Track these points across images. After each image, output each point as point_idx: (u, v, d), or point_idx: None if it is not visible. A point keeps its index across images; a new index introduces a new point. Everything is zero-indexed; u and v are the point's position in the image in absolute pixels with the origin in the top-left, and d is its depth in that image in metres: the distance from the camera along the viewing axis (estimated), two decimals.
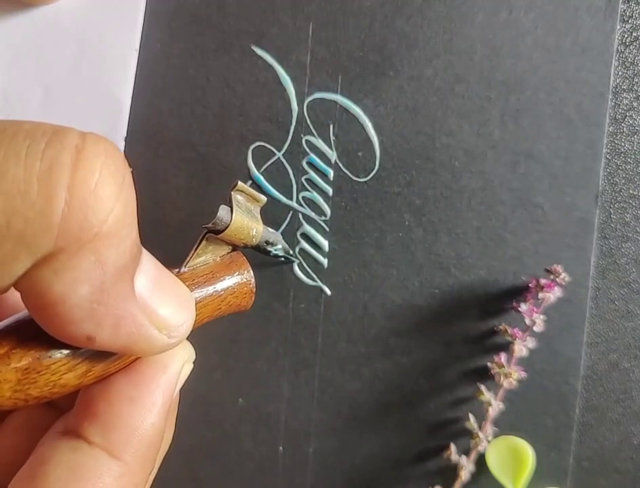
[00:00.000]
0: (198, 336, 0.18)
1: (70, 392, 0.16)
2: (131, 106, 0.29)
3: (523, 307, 0.27)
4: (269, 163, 0.29)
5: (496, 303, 0.29)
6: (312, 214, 0.29)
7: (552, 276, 0.27)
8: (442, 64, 0.28)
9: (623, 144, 0.28)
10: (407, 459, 0.29)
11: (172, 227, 0.29)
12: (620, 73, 0.28)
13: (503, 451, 0.28)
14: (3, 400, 0.15)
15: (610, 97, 0.28)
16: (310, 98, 0.29)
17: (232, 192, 0.22)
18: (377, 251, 0.29)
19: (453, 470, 0.28)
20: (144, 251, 0.16)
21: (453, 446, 0.28)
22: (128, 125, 0.29)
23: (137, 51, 0.29)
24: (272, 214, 0.28)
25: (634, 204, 0.28)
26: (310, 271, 0.29)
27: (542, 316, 0.27)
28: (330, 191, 0.29)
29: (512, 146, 0.28)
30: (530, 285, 0.28)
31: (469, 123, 0.28)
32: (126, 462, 0.16)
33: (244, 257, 0.22)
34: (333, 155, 0.29)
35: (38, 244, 0.13)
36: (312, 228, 0.29)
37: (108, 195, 0.13)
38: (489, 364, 0.28)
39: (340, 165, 0.29)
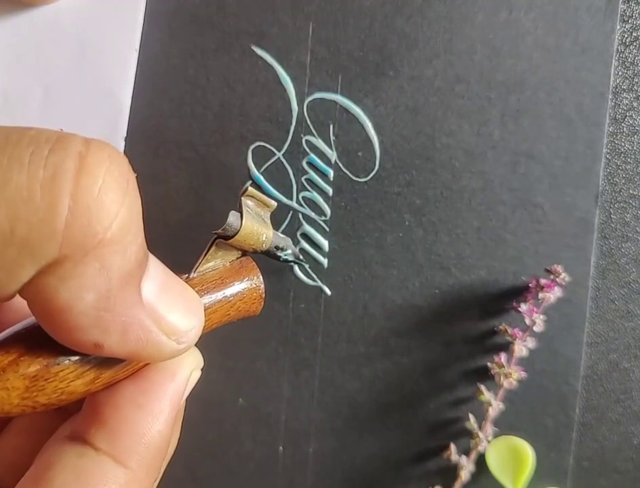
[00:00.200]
0: (200, 338, 0.18)
1: (78, 399, 0.16)
2: (131, 106, 0.29)
3: (523, 307, 0.27)
4: (269, 163, 0.29)
5: (496, 303, 0.29)
6: (312, 214, 0.29)
7: (552, 276, 0.27)
8: (442, 64, 0.28)
9: (623, 144, 0.28)
10: (407, 459, 0.29)
11: (172, 227, 0.29)
12: (619, 73, 0.28)
13: (503, 451, 0.28)
14: (11, 407, 0.15)
15: (610, 97, 0.28)
16: (310, 98, 0.29)
17: (242, 198, 0.22)
18: (377, 251, 0.29)
19: (453, 470, 0.28)
20: (152, 257, 0.16)
21: (453, 446, 0.28)
22: (128, 125, 0.29)
23: (137, 51, 0.29)
24: (272, 214, 0.28)
25: (634, 204, 0.28)
26: (310, 271, 0.29)
27: (542, 316, 0.27)
28: (330, 191, 0.29)
29: (512, 146, 0.28)
30: (530, 285, 0.28)
31: (469, 123, 0.28)
32: (132, 469, 0.16)
33: (253, 263, 0.22)
34: (333, 155, 0.29)
35: (43, 251, 0.13)
36: (312, 228, 0.29)
37: (111, 201, 0.13)
38: (489, 364, 0.28)
39: (340, 165, 0.29)
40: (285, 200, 0.29)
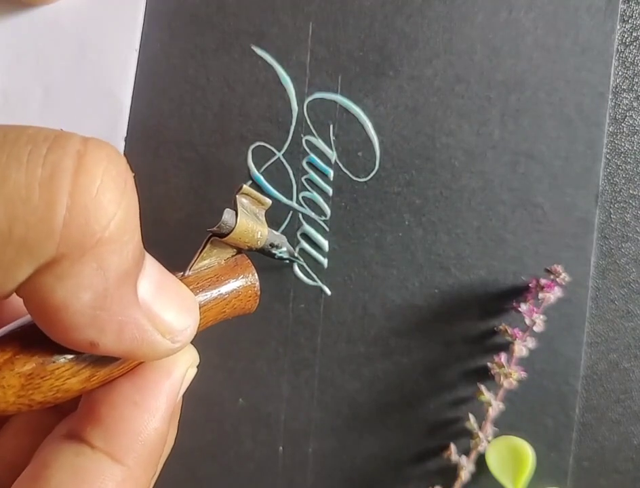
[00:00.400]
0: (198, 336, 0.18)
1: (73, 396, 0.16)
2: (131, 106, 0.29)
3: (523, 307, 0.27)
4: (269, 163, 0.29)
5: (496, 303, 0.29)
6: (312, 214, 0.29)
7: (552, 276, 0.27)
8: (442, 64, 0.28)
9: (623, 144, 0.28)
10: (407, 459, 0.29)
11: (172, 227, 0.29)
12: (620, 73, 0.28)
13: (503, 451, 0.28)
14: (7, 405, 0.15)
15: (610, 97, 0.28)
16: (310, 98, 0.29)
17: (236, 196, 0.22)
18: (377, 251, 0.29)
19: (453, 470, 0.28)
20: (147, 256, 0.16)
21: (453, 446, 0.28)
22: (128, 125, 0.29)
23: (137, 51, 0.29)
24: (272, 214, 0.28)
25: (634, 204, 0.28)
26: (310, 271, 0.29)
27: (542, 316, 0.27)
28: (330, 191, 0.29)
29: (512, 146, 0.28)
30: (530, 285, 0.28)
31: (469, 123, 0.28)
32: (129, 467, 0.16)
33: (249, 260, 0.22)
34: (333, 155, 0.29)
35: (40, 250, 0.13)
36: (312, 228, 0.29)
37: (109, 201, 0.13)
38: (489, 364, 0.28)
39: (340, 165, 0.29)
40: (285, 200, 0.29)
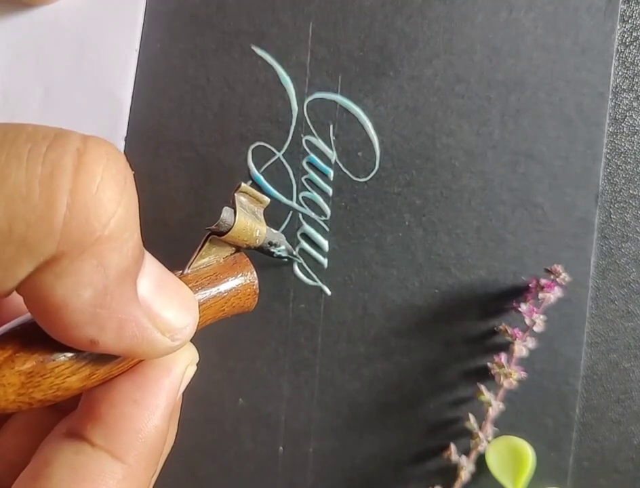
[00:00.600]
0: (198, 336, 0.18)
1: (73, 395, 0.16)
2: (131, 106, 0.29)
3: (523, 307, 0.27)
4: (269, 163, 0.29)
5: (496, 303, 0.29)
6: (312, 214, 0.29)
7: (552, 276, 0.27)
8: (442, 64, 0.28)
9: (623, 144, 0.28)
10: (407, 459, 0.29)
11: (172, 227, 0.29)
12: (619, 73, 0.28)
13: (503, 451, 0.28)
14: (7, 403, 0.15)
15: (610, 97, 0.28)
16: (310, 98, 0.29)
17: (235, 194, 0.22)
18: (377, 251, 0.29)
19: (453, 470, 0.28)
20: (147, 254, 0.16)
21: (453, 446, 0.28)
22: (128, 125, 0.29)
23: (137, 51, 0.29)
24: (272, 214, 0.28)
25: (634, 204, 0.28)
26: (310, 271, 0.29)
27: (542, 316, 0.27)
28: (330, 191, 0.29)
29: (512, 146, 0.28)
30: (530, 285, 0.28)
31: (469, 123, 0.28)
32: (129, 465, 0.16)
33: (247, 259, 0.22)
34: (333, 155, 0.29)
35: (41, 248, 0.13)
36: (312, 228, 0.29)
37: (109, 199, 0.13)
38: (489, 364, 0.28)
39: (340, 165, 0.29)
40: (285, 200, 0.29)
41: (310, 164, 0.29)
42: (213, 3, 0.29)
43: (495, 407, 0.27)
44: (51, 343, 0.15)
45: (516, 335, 0.27)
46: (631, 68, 0.28)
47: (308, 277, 0.29)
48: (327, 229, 0.29)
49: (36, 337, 0.15)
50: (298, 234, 0.29)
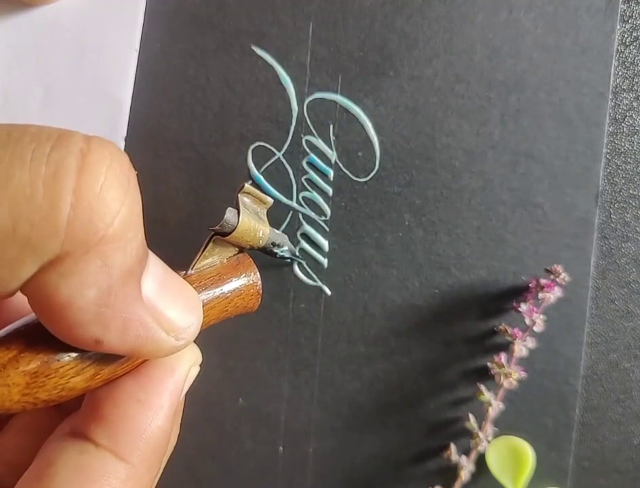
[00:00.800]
0: (199, 336, 0.18)
1: (78, 395, 0.16)
2: (131, 106, 0.29)
3: (523, 307, 0.27)
4: (269, 162, 0.29)
5: (496, 303, 0.29)
6: (312, 214, 0.29)
7: (552, 276, 0.27)
8: (442, 64, 0.28)
9: (623, 144, 0.28)
10: (407, 459, 0.29)
11: (172, 227, 0.29)
12: (619, 73, 0.28)
13: (503, 451, 0.28)
14: (12, 403, 0.15)
15: (610, 97, 0.28)
16: (310, 98, 0.29)
17: (238, 195, 0.22)
18: (377, 251, 0.29)
19: (453, 470, 0.28)
20: (151, 254, 0.16)
21: (453, 446, 0.28)
22: (128, 125, 0.29)
23: (137, 51, 0.29)
24: (272, 214, 0.28)
25: (634, 204, 0.28)
26: (310, 271, 0.29)
27: (542, 316, 0.27)
28: (330, 191, 0.29)
29: (512, 146, 0.28)
30: (530, 285, 0.28)
31: (469, 123, 0.28)
32: (133, 465, 0.16)
33: (250, 259, 0.22)
34: (333, 155, 0.29)
35: (45, 248, 0.13)
36: (312, 228, 0.29)
37: (113, 198, 0.13)
38: (489, 364, 0.28)
39: (340, 165, 0.29)
40: (285, 200, 0.29)
41: (310, 164, 0.29)
42: (213, 3, 0.29)
43: (495, 407, 0.27)
44: (55, 343, 0.15)
45: (516, 335, 0.27)
46: (631, 68, 0.28)
47: (308, 277, 0.29)
48: (327, 229, 0.29)
49: (41, 337, 0.15)
50: (298, 234, 0.29)
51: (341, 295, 0.29)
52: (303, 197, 0.29)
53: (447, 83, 0.28)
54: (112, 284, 0.14)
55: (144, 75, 0.29)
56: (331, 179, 0.29)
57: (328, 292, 0.29)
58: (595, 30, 0.28)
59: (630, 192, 0.28)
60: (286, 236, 0.27)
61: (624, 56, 0.28)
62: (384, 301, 0.29)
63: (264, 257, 0.26)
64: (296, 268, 0.29)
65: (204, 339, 0.19)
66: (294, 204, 0.29)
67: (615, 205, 0.28)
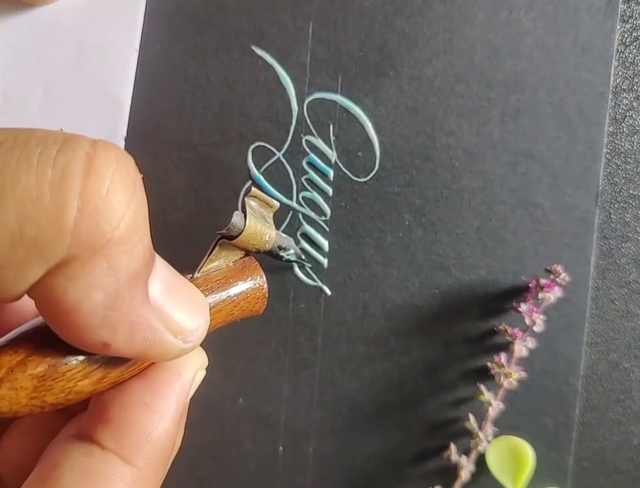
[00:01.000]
0: (204, 339, 0.18)
1: (85, 398, 0.16)
2: (131, 106, 0.29)
3: (523, 307, 0.27)
4: (269, 162, 0.29)
5: (496, 303, 0.29)
6: (312, 214, 0.29)
7: (552, 276, 0.27)
8: (442, 64, 0.28)
9: (623, 144, 0.28)
10: (407, 459, 0.29)
11: (172, 227, 0.29)
12: (619, 73, 0.28)
13: (503, 451, 0.28)
14: (20, 407, 0.15)
15: (610, 97, 0.28)
16: (310, 98, 0.29)
17: (245, 198, 0.22)
18: (377, 251, 0.29)
19: (453, 470, 0.28)
20: (158, 257, 0.16)
21: (453, 446, 0.28)
22: (128, 125, 0.29)
23: (137, 51, 0.29)
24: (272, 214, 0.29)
25: (634, 204, 0.28)
26: (310, 271, 0.29)
27: (542, 316, 0.27)
28: (330, 191, 0.29)
29: (512, 146, 0.28)
30: (530, 285, 0.28)
31: (469, 123, 0.28)
32: (139, 468, 0.16)
33: (256, 263, 0.22)
34: (333, 155, 0.29)
35: (51, 251, 0.13)
36: (312, 228, 0.29)
37: (119, 202, 0.13)
38: (489, 364, 0.28)
39: (340, 165, 0.29)
40: (285, 200, 0.29)
41: (310, 164, 0.29)
42: (213, 3, 0.29)
43: (495, 407, 0.27)
44: (63, 346, 0.15)
45: (516, 335, 0.27)
46: (631, 68, 0.28)
47: (308, 277, 0.29)
48: (327, 229, 0.29)
49: (48, 340, 0.15)
50: (298, 234, 0.29)
51: (341, 295, 0.29)
52: (303, 197, 0.29)
53: (447, 83, 0.28)
54: (119, 287, 0.14)
55: (144, 75, 0.29)
56: (331, 179, 0.29)
57: (328, 292, 0.29)
58: (595, 30, 0.28)
59: (630, 192, 0.28)
60: (292, 239, 0.27)
61: (624, 56, 0.28)
62: (384, 301, 0.29)
63: (264, 258, 0.26)
64: (296, 268, 0.29)
65: (204, 339, 0.19)
66: (294, 204, 0.29)
67: (615, 205, 0.28)
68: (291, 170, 0.29)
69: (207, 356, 0.20)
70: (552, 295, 0.27)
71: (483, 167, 0.28)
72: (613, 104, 0.28)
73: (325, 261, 0.29)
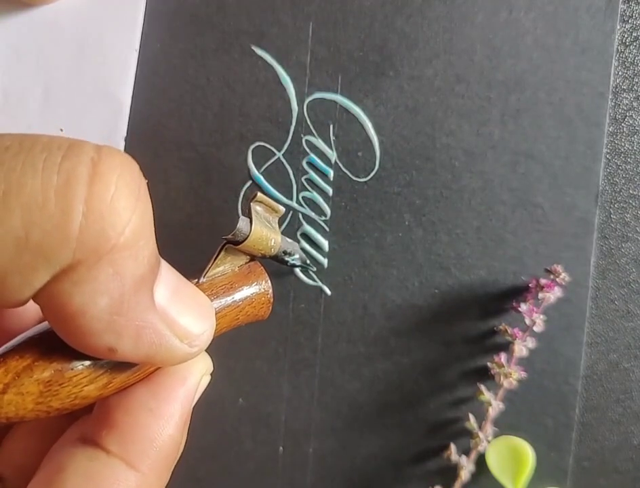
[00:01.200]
0: (209, 344, 0.18)
1: (90, 403, 0.16)
2: (131, 106, 0.29)
3: (523, 307, 0.27)
4: (269, 162, 0.29)
5: (496, 303, 0.29)
6: (312, 214, 0.29)
7: (552, 276, 0.27)
8: (442, 64, 0.28)
9: (623, 144, 0.28)
10: (407, 459, 0.29)
11: (172, 227, 0.29)
12: (619, 73, 0.28)
13: (503, 451, 0.28)
14: (26, 412, 0.15)
15: (610, 97, 0.28)
16: (310, 98, 0.29)
17: (251, 203, 0.22)
18: (377, 251, 0.29)
19: (453, 470, 0.28)
20: (163, 262, 0.16)
21: (453, 446, 0.28)
22: (128, 125, 0.29)
23: (137, 51, 0.29)
24: None
25: (634, 204, 0.28)
26: (310, 271, 0.29)
27: (542, 316, 0.27)
28: (330, 191, 0.29)
29: (512, 146, 0.28)
30: (530, 285, 0.28)
31: (469, 123, 0.28)
32: (143, 473, 0.16)
33: (262, 268, 0.22)
34: (333, 155, 0.29)
35: (57, 256, 0.13)
36: (312, 228, 0.29)
37: (124, 207, 0.13)
38: (489, 364, 0.28)
39: (340, 165, 0.29)
40: (285, 200, 0.29)
41: (310, 164, 0.29)
42: (213, 3, 0.29)
43: (495, 406, 0.27)
44: (69, 352, 0.15)
45: (516, 335, 0.27)
46: (631, 68, 0.28)
47: (308, 277, 0.29)
48: (327, 229, 0.29)
49: (55, 345, 0.15)
50: (298, 234, 0.29)
51: (341, 295, 0.29)
52: (303, 197, 0.29)
53: (447, 83, 0.28)
54: (125, 292, 0.14)
55: (144, 75, 0.29)
56: (331, 179, 0.29)
57: (328, 292, 0.29)
58: (595, 30, 0.28)
59: (630, 192, 0.28)
60: (297, 244, 0.27)
61: (624, 56, 0.28)
62: (384, 301, 0.29)
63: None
64: (296, 269, 0.29)
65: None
66: (294, 204, 0.29)
67: (615, 205, 0.28)
68: (291, 170, 0.29)
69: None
70: (552, 295, 0.27)
71: (483, 167, 0.28)
72: (613, 104, 0.28)
73: (325, 261, 0.29)
